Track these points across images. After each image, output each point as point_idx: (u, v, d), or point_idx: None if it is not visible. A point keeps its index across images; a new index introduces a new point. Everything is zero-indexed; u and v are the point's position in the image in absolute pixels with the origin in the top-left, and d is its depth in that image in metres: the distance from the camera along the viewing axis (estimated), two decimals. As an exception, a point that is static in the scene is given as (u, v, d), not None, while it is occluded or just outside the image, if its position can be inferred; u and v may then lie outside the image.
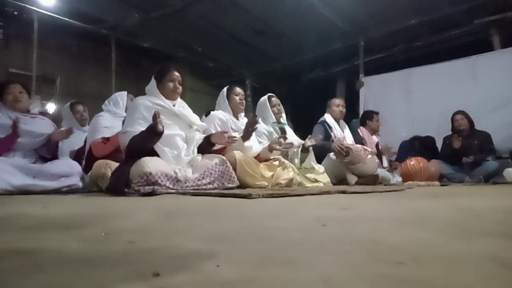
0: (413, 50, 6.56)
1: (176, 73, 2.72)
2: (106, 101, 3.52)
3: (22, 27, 5.43)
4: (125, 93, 3.54)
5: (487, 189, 3.06)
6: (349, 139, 4.26)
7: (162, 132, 2.38)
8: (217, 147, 2.87)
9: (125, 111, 3.35)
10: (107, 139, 3.05)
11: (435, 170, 4.39)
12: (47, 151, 3.02)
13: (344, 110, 4.41)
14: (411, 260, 0.59)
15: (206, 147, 2.78)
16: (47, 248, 0.71)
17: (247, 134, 2.93)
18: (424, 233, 0.89)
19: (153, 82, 2.71)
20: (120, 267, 0.57)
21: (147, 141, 2.43)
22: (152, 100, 2.62)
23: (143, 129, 2.43)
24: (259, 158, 3.13)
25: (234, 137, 2.80)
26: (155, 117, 2.33)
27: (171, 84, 2.68)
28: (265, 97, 3.72)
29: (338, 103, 4.39)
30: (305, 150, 3.58)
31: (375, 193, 2.43)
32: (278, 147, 3.13)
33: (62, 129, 3.10)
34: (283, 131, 3.62)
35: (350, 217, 1.17)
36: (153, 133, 2.36)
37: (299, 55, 7.16)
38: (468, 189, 3.10)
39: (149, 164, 2.28)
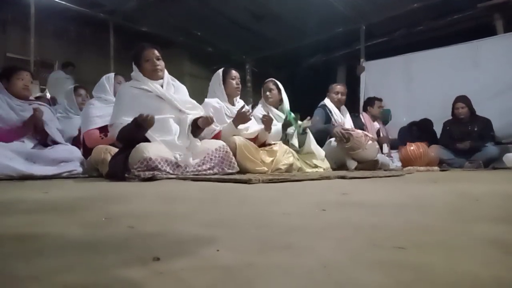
0: (414, 35, 6.49)
1: (150, 50, 2.59)
2: (95, 87, 3.33)
3: (19, 12, 5.36)
4: (112, 75, 3.34)
5: (487, 175, 3.07)
6: (348, 124, 4.25)
7: (147, 126, 2.34)
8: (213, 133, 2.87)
9: (114, 94, 3.15)
10: (106, 135, 2.95)
11: (435, 156, 4.40)
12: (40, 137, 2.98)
13: (343, 97, 4.33)
14: (411, 245, 0.59)
15: (195, 130, 2.66)
16: (47, 233, 0.72)
17: (238, 119, 2.90)
18: (424, 218, 0.89)
19: (134, 67, 2.63)
20: (121, 251, 0.57)
21: (135, 133, 2.37)
22: (136, 86, 2.56)
23: (129, 119, 2.38)
24: (258, 142, 3.12)
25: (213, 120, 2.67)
26: (143, 118, 2.29)
27: (148, 64, 2.58)
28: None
29: (337, 91, 4.31)
30: (303, 131, 3.48)
31: (375, 178, 2.44)
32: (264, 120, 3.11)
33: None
34: (296, 120, 3.49)
35: (350, 202, 1.18)
36: (139, 126, 2.33)
37: (300, 40, 7.10)
38: (468, 174, 3.11)
39: (149, 149, 2.28)
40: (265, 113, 3.56)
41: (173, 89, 2.69)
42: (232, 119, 3.03)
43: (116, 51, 6.39)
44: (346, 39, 6.98)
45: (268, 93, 3.69)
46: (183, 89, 2.78)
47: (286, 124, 3.46)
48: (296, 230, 0.73)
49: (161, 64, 2.61)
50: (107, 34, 6.32)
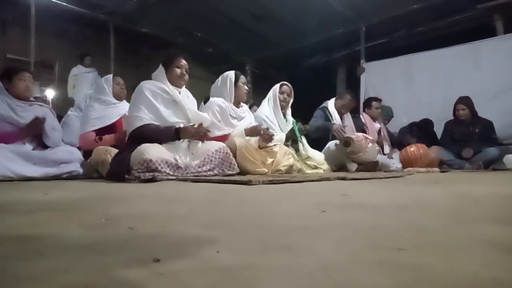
0: (414, 35, 6.49)
1: (184, 61, 2.75)
2: (94, 88, 3.37)
3: (19, 12, 5.37)
4: (110, 76, 3.35)
5: (487, 176, 3.07)
6: (349, 127, 4.24)
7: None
8: (215, 134, 2.87)
9: (113, 95, 3.24)
10: (100, 139, 3.01)
11: (435, 157, 4.39)
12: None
13: (348, 111, 4.39)
14: (411, 246, 0.59)
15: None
16: (47, 234, 0.72)
17: (252, 132, 2.98)
18: (424, 219, 0.89)
19: (160, 68, 2.73)
20: (121, 253, 0.57)
21: (164, 138, 2.48)
22: (156, 84, 2.63)
23: (146, 114, 2.48)
24: (258, 146, 3.12)
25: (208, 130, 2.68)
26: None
27: (177, 70, 2.70)
28: (278, 84, 3.71)
29: (348, 106, 4.34)
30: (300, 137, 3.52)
31: (375, 179, 2.44)
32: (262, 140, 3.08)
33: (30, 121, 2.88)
34: (293, 132, 3.53)
35: (350, 204, 1.18)
36: (174, 136, 2.48)
37: (300, 41, 7.10)
38: (468, 176, 3.11)
39: (149, 151, 2.28)
40: (271, 116, 3.59)
41: (186, 99, 2.78)
42: (236, 120, 3.04)
43: (116, 52, 6.39)
44: (346, 40, 6.98)
45: (287, 97, 3.72)
46: (193, 102, 2.91)
47: (290, 137, 3.49)
48: (296, 231, 0.73)
49: (186, 76, 2.77)
50: (108, 35, 6.33)
